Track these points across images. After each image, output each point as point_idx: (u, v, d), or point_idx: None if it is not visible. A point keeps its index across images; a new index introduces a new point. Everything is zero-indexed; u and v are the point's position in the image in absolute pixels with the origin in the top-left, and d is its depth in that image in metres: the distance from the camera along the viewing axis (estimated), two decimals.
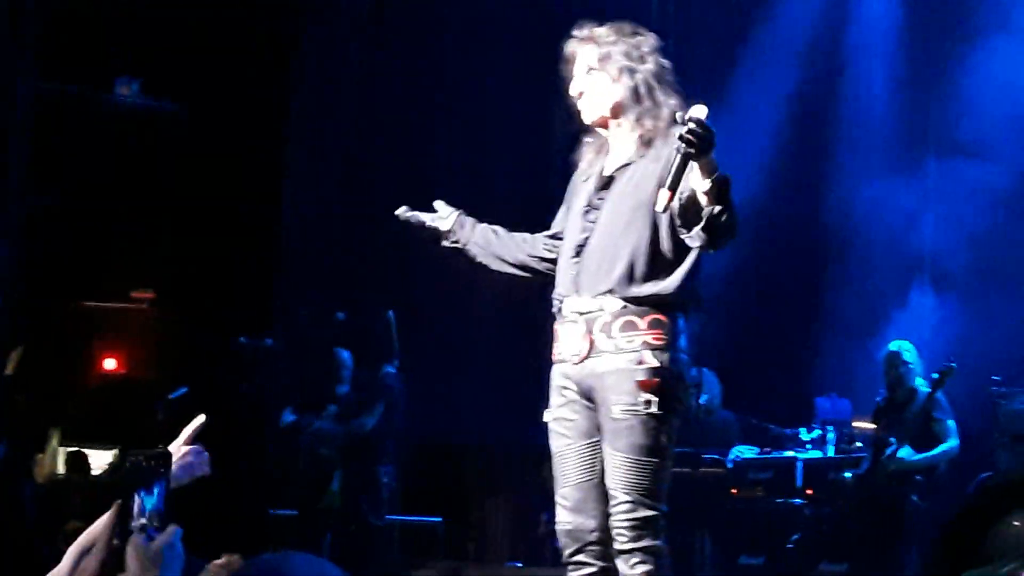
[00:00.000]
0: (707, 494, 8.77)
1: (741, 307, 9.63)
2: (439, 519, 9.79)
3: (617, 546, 4.21)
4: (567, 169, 4.67)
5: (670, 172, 3.93)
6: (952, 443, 8.25)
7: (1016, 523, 5.33)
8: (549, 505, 4.39)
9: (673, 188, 3.91)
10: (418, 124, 10.63)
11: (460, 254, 4.66)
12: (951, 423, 8.26)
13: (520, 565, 9.68)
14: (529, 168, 10.07)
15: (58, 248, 9.68)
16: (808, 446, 9.02)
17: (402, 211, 4.65)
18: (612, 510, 4.23)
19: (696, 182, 3.94)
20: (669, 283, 4.26)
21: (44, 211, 9.36)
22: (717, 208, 3.96)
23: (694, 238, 4.08)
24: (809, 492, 8.78)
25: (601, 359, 4.26)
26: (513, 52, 10.38)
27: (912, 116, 10.06)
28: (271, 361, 9.65)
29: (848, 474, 8.56)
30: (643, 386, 4.19)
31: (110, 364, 10.26)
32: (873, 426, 8.62)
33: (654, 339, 4.22)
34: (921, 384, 8.43)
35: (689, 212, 4.03)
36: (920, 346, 8.69)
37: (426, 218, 4.66)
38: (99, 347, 10.27)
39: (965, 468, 8.25)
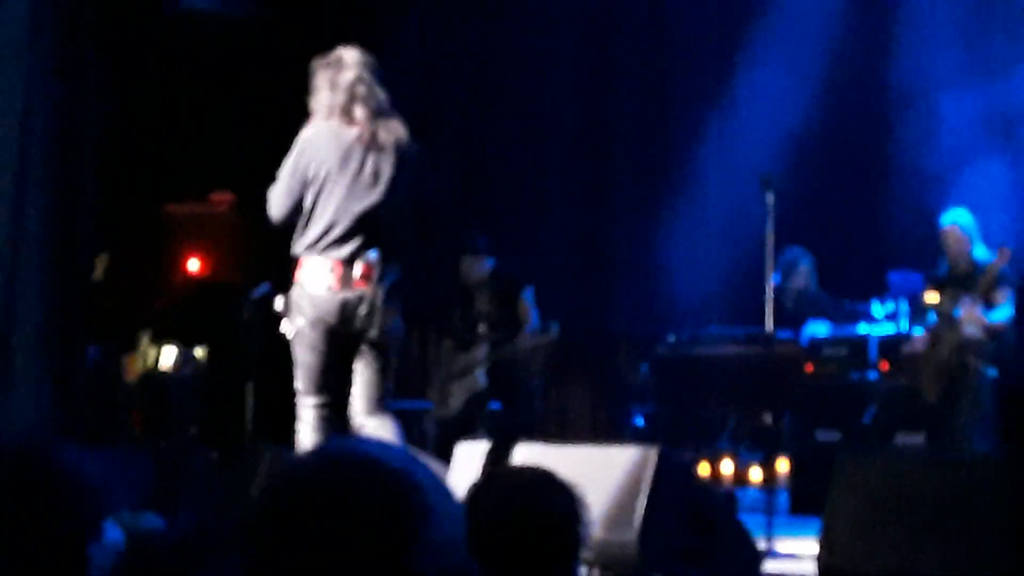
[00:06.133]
0: (782, 372, 8.76)
1: (808, 183, 9.47)
2: None
3: None
4: None
5: None
6: (1006, 312, 8.18)
7: None
8: None
9: None
10: None
11: None
12: (1009, 291, 8.16)
13: None
14: None
15: (138, 151, 9.87)
16: (881, 320, 8.96)
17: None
18: None
19: None
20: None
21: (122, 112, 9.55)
22: None
23: None
24: (883, 366, 8.74)
25: None
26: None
27: None
28: None
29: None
30: None
31: (194, 266, 10.46)
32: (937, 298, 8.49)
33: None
34: (980, 251, 8.31)
35: None
36: (989, 213, 8.53)
37: None
38: (182, 249, 10.46)
39: None
